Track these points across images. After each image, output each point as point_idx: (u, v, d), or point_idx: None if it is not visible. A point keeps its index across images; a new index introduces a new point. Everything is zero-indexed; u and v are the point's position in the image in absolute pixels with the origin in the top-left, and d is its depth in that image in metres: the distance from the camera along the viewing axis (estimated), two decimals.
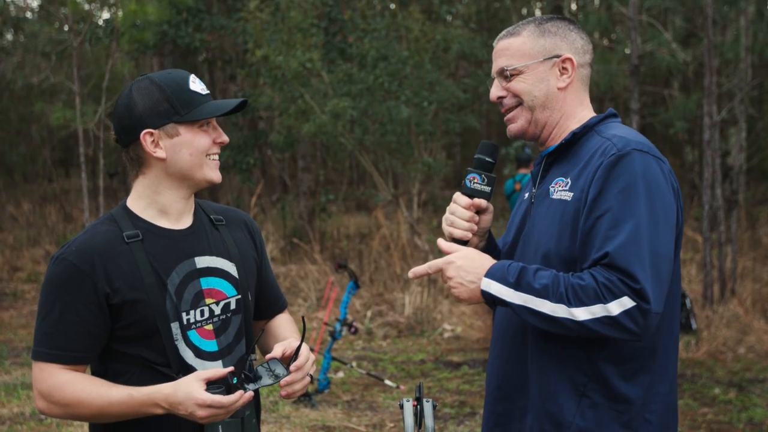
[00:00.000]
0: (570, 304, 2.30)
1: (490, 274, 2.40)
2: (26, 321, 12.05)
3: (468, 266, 2.43)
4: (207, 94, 2.51)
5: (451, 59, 13.38)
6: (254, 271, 2.68)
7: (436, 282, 11.55)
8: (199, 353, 2.48)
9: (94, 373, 2.50)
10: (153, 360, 2.43)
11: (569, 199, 2.46)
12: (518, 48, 2.57)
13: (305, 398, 7.38)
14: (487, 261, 2.45)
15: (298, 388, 2.44)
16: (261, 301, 2.78)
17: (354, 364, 8.59)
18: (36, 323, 2.46)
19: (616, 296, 2.27)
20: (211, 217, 2.64)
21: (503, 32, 2.66)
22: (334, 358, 7.95)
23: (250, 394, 2.33)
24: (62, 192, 20.23)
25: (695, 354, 8.93)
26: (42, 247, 16.17)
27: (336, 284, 10.18)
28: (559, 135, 2.61)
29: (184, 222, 2.57)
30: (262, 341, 2.78)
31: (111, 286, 2.40)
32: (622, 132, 2.50)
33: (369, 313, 11.20)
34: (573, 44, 2.58)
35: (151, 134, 2.46)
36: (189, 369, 2.44)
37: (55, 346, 2.41)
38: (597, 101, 18.05)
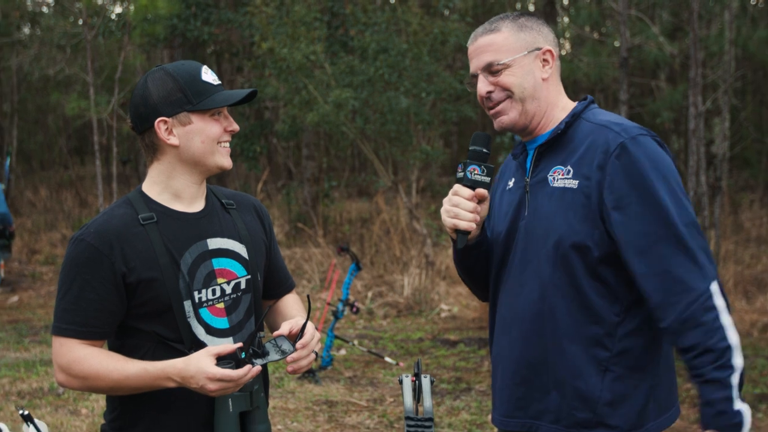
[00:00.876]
0: (728, 373, 2.34)
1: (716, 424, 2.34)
2: (44, 301, 12.08)
3: None
4: (218, 85, 2.51)
5: (449, 52, 13.33)
6: (263, 252, 2.68)
7: (433, 264, 11.57)
8: (210, 330, 2.49)
9: (111, 349, 2.51)
10: (167, 336, 2.45)
11: (575, 186, 2.45)
12: (502, 43, 2.54)
13: (309, 374, 7.41)
14: None
15: (304, 365, 2.44)
16: (269, 281, 2.78)
17: (356, 342, 8.62)
18: (56, 300, 2.47)
19: (721, 327, 2.37)
20: (223, 201, 2.65)
21: (479, 30, 2.61)
22: (336, 337, 7.98)
23: (257, 368, 2.34)
24: (77, 178, 20.21)
25: None
26: (59, 230, 16.18)
27: (338, 266, 10.19)
28: (545, 124, 2.59)
29: (197, 206, 2.57)
30: (271, 319, 2.79)
31: (127, 266, 2.41)
32: (613, 118, 2.53)
33: (370, 294, 11.23)
34: (547, 37, 2.59)
35: (165, 122, 2.48)
36: (201, 345, 2.45)
37: (74, 322, 2.41)
38: (587, 92, 18.00)
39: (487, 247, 2.68)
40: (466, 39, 10.79)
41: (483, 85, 2.55)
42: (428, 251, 11.75)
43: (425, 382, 2.82)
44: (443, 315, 10.44)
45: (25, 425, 2.85)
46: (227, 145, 2.54)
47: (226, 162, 2.54)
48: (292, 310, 2.79)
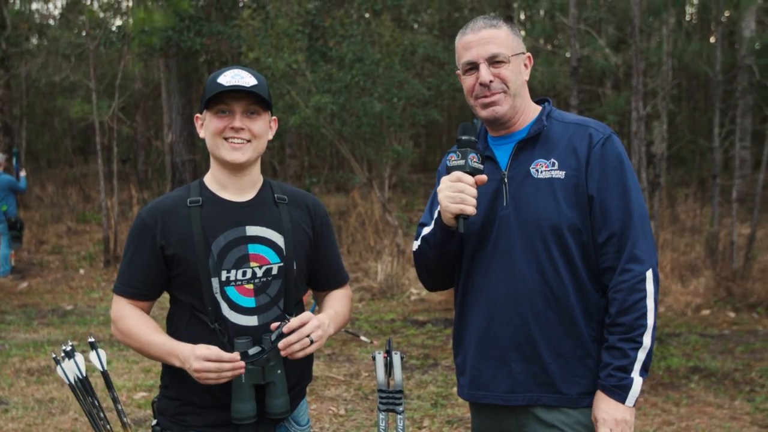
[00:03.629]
0: (638, 340, 2.41)
1: (620, 396, 2.40)
2: (51, 287, 11.94)
3: (618, 418, 2.40)
4: (232, 86, 2.44)
5: (417, 61, 13.32)
6: (305, 245, 2.62)
7: (404, 252, 11.57)
8: (234, 307, 2.47)
9: (169, 313, 2.59)
10: (197, 308, 2.47)
11: (563, 177, 2.44)
12: (504, 40, 2.48)
13: None
14: (609, 407, 2.41)
15: (296, 349, 2.39)
16: (318, 274, 2.74)
17: None
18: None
19: (644, 294, 2.41)
20: (276, 195, 2.61)
21: (481, 22, 2.51)
22: None
23: (241, 364, 2.35)
24: (81, 176, 19.99)
25: None
26: (64, 223, 16.00)
27: None
28: (523, 121, 2.56)
29: (246, 195, 2.57)
30: (320, 309, 2.75)
31: (166, 240, 2.47)
32: (578, 117, 2.58)
33: None
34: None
35: (198, 118, 2.58)
36: (224, 319, 2.46)
37: (124, 282, 2.54)
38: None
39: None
40: (434, 50, 10.67)
41: (487, 74, 2.46)
42: (399, 241, 11.74)
43: (396, 358, 2.81)
44: (413, 298, 10.44)
45: (91, 352, 2.91)
46: (236, 141, 2.49)
47: (229, 156, 2.49)
48: (329, 303, 2.74)
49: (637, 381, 2.39)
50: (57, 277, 12.51)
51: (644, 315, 2.39)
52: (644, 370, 2.41)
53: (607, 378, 2.40)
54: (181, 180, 16.47)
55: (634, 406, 2.41)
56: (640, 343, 2.39)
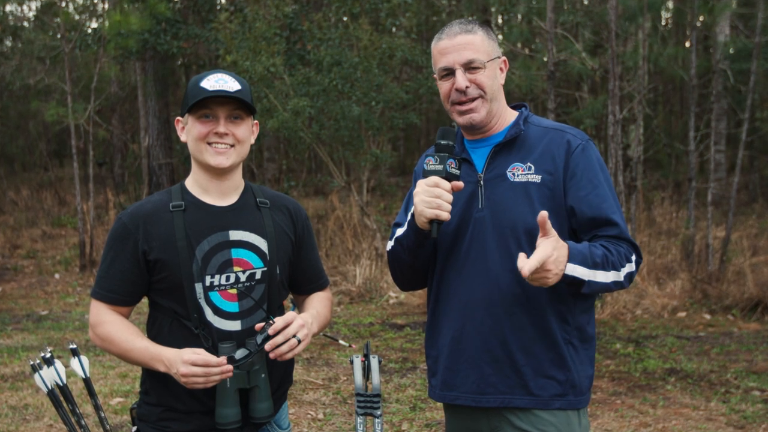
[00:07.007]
0: (619, 268, 2.39)
1: (573, 258, 2.27)
2: (25, 292, 11.81)
3: (560, 256, 2.24)
4: (214, 90, 2.43)
5: (395, 65, 13.32)
6: (288, 249, 2.62)
7: (383, 256, 11.57)
8: (218, 312, 2.47)
9: (149, 318, 2.57)
10: (180, 313, 2.45)
11: (538, 180, 2.45)
12: (480, 45, 2.48)
13: None
14: (564, 246, 2.28)
15: (284, 350, 2.38)
16: (300, 277, 2.73)
17: None
18: (98, 268, 2.56)
19: (633, 256, 2.44)
20: (258, 199, 2.61)
21: (456, 27, 2.50)
22: None
23: (229, 368, 2.33)
24: (56, 179, 19.80)
25: (600, 315, 9.09)
26: (39, 227, 15.84)
27: None
28: (499, 125, 2.57)
29: (229, 200, 2.56)
30: (302, 312, 2.74)
31: (149, 245, 2.44)
32: (555, 123, 2.60)
33: None
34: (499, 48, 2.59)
35: (179, 121, 2.57)
36: (208, 325, 2.45)
37: (103, 287, 2.50)
38: (519, 102, 18.02)
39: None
40: (412, 54, 10.71)
41: (462, 80, 2.47)
42: (378, 244, 11.74)
43: (374, 362, 2.82)
44: (391, 302, 10.45)
45: (72, 358, 2.87)
46: (219, 146, 2.48)
47: (213, 161, 2.49)
48: (311, 305, 2.74)
49: (587, 272, 2.31)
50: (32, 282, 12.38)
51: (629, 260, 2.43)
52: (597, 281, 2.34)
53: (580, 248, 2.33)
54: (158, 184, 16.36)
55: (569, 281, 2.30)
56: (622, 266, 2.41)
